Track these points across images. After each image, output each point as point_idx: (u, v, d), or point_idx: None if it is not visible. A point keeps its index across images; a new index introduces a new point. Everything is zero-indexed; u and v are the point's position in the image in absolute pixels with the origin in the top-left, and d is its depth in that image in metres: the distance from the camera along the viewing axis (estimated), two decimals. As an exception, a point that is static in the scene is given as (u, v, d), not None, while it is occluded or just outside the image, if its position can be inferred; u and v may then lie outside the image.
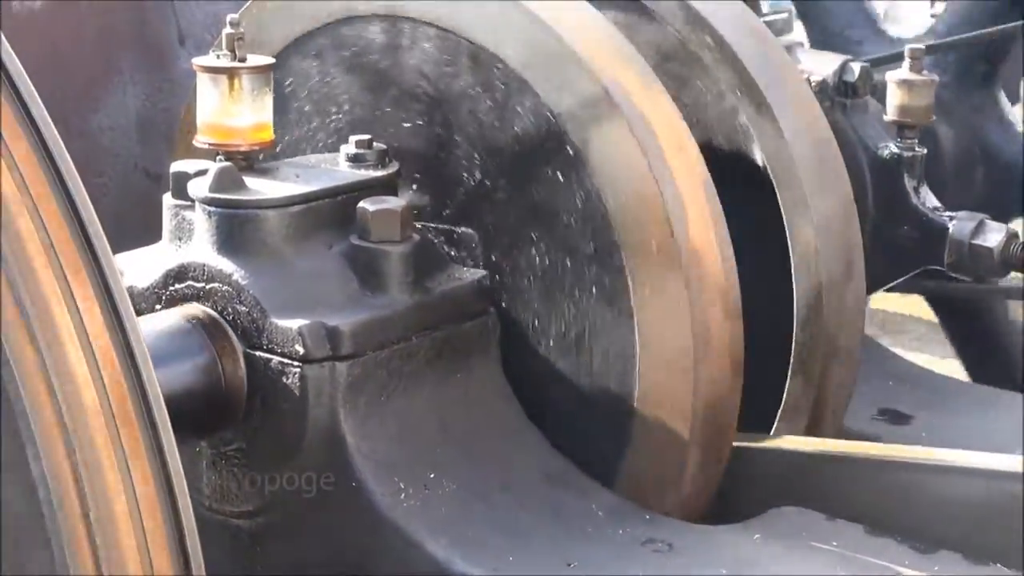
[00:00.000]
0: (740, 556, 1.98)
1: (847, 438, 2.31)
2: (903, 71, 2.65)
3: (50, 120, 1.49)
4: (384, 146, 2.19)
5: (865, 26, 3.52)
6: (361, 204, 2.08)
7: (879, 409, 2.52)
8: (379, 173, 2.16)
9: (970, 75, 3.30)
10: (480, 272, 2.16)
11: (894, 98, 2.64)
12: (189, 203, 2.12)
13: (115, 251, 1.54)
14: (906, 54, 2.67)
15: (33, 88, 1.47)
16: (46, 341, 1.43)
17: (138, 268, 2.14)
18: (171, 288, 2.08)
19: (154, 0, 3.13)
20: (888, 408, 2.54)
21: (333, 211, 2.10)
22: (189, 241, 2.12)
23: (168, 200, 2.18)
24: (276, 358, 1.99)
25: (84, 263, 1.48)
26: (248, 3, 2.38)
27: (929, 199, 2.60)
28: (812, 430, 2.29)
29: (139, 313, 1.99)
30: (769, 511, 2.09)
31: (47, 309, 1.44)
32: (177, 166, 2.19)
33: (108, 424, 1.43)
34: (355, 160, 2.18)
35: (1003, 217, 2.72)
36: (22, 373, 1.41)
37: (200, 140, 2.16)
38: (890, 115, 2.64)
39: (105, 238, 1.53)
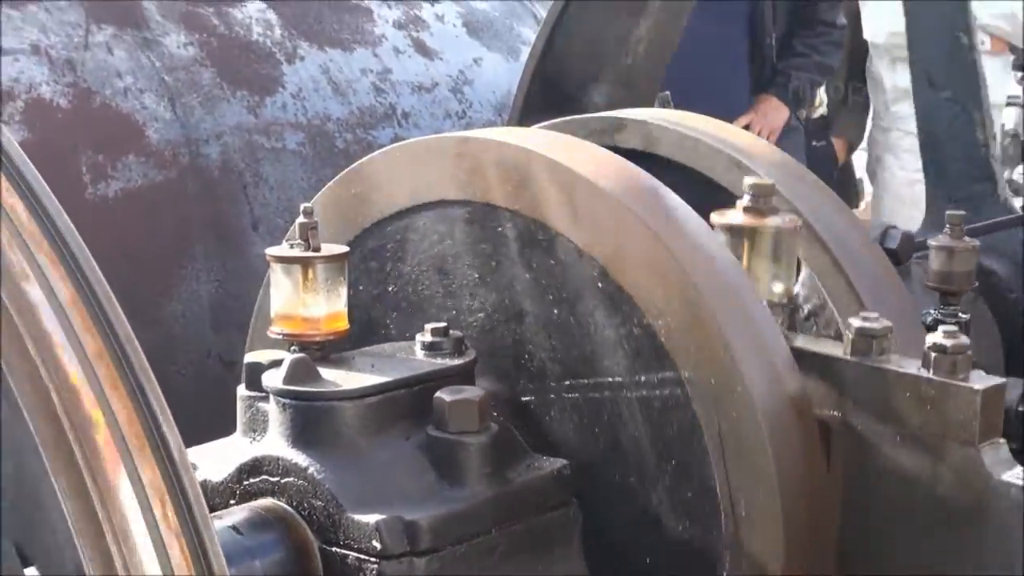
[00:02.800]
0: None
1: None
2: (944, 238, 2.59)
3: (119, 307, 1.46)
4: (460, 334, 2.16)
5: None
6: (438, 394, 2.02)
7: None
8: (456, 362, 2.12)
9: None
10: (560, 461, 2.10)
11: (935, 264, 2.57)
12: (263, 395, 2.09)
13: (189, 440, 1.50)
14: (946, 219, 2.61)
15: (101, 275, 1.46)
16: (117, 540, 1.39)
17: (212, 462, 2.10)
18: (245, 483, 2.03)
19: (226, 187, 3.15)
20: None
21: (410, 401, 2.06)
22: (263, 434, 2.08)
23: (242, 391, 2.15)
24: (353, 554, 1.93)
25: (156, 459, 1.44)
26: (322, 191, 2.37)
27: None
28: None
29: (213, 508, 1.95)
30: None
31: (118, 509, 1.40)
32: (251, 357, 2.16)
33: None
34: (431, 348, 2.14)
35: None
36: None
37: (274, 331, 2.13)
38: (932, 281, 2.58)
39: (177, 431, 1.49)
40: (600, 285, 2.06)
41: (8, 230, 1.44)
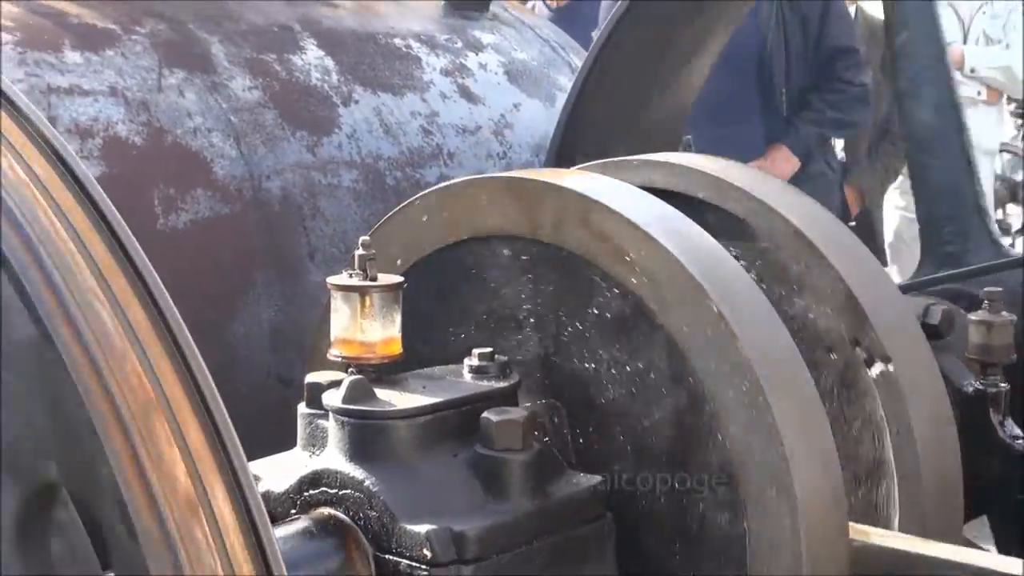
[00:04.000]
0: None
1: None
2: (983, 313, 2.57)
3: (186, 329, 1.47)
4: (505, 358, 2.16)
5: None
6: (485, 415, 2.02)
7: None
8: (501, 384, 2.11)
9: None
10: (596, 478, 2.09)
11: (975, 337, 2.56)
12: (323, 412, 2.08)
13: (249, 452, 1.50)
14: (982, 296, 2.60)
15: (171, 303, 1.46)
16: (185, 548, 1.39)
17: (274, 474, 2.09)
18: (306, 494, 2.03)
19: (285, 219, 3.15)
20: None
21: (458, 421, 2.05)
22: (322, 448, 2.08)
23: (303, 409, 2.15)
24: (404, 561, 1.92)
25: (220, 469, 1.44)
26: (378, 224, 2.37)
27: (1014, 430, 2.51)
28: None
29: (274, 517, 1.95)
30: None
31: (184, 519, 1.39)
32: (311, 377, 2.16)
33: None
34: (478, 372, 2.13)
35: None
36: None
37: (333, 353, 2.13)
38: (971, 353, 2.56)
39: (239, 444, 1.49)
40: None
41: (84, 258, 1.45)
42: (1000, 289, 2.62)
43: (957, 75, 8.02)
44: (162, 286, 1.48)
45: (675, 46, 3.28)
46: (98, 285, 1.44)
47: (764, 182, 2.48)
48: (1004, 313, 2.56)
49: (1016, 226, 11.17)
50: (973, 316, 2.59)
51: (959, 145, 3.18)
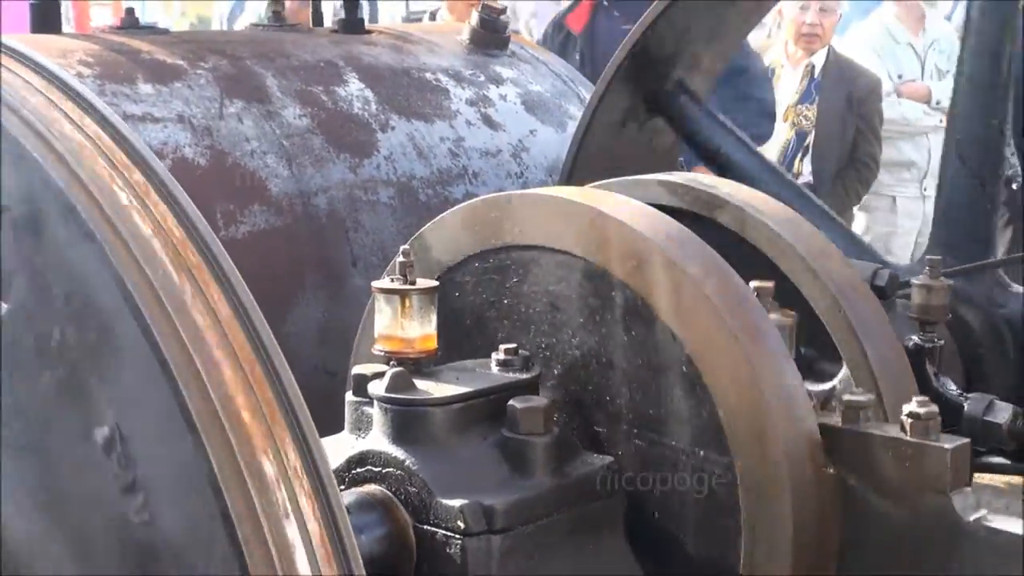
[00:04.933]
0: None
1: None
2: (924, 277, 2.57)
3: (268, 328, 1.46)
4: (528, 353, 2.14)
5: None
6: (511, 402, 2.01)
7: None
8: (524, 376, 2.10)
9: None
10: (608, 459, 2.07)
11: (916, 298, 2.55)
12: (367, 400, 2.07)
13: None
14: (925, 262, 2.60)
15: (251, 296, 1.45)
16: (265, 512, 1.37)
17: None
18: (353, 472, 2.01)
19: (331, 231, 3.14)
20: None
21: (487, 408, 2.03)
22: (367, 432, 2.07)
23: (350, 397, 2.14)
24: (441, 531, 1.91)
25: (295, 444, 1.43)
26: (466, 204, 2.35)
27: (948, 383, 2.50)
28: None
29: (326, 493, 1.93)
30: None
31: (267, 489, 1.38)
32: (357, 369, 2.15)
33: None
34: (504, 365, 2.12)
35: None
36: (251, 550, 1.35)
37: (377, 348, 2.12)
38: (913, 313, 2.55)
39: (314, 425, 1.48)
40: (684, 369, 2.02)
41: (176, 261, 1.44)
42: (940, 257, 2.62)
43: (924, 107, 8.03)
44: (244, 284, 1.48)
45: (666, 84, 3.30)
46: (189, 284, 1.43)
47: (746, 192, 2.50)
48: (942, 279, 2.56)
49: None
50: (915, 280, 2.57)
51: None
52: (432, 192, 3.34)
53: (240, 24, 11.28)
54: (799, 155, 7.16)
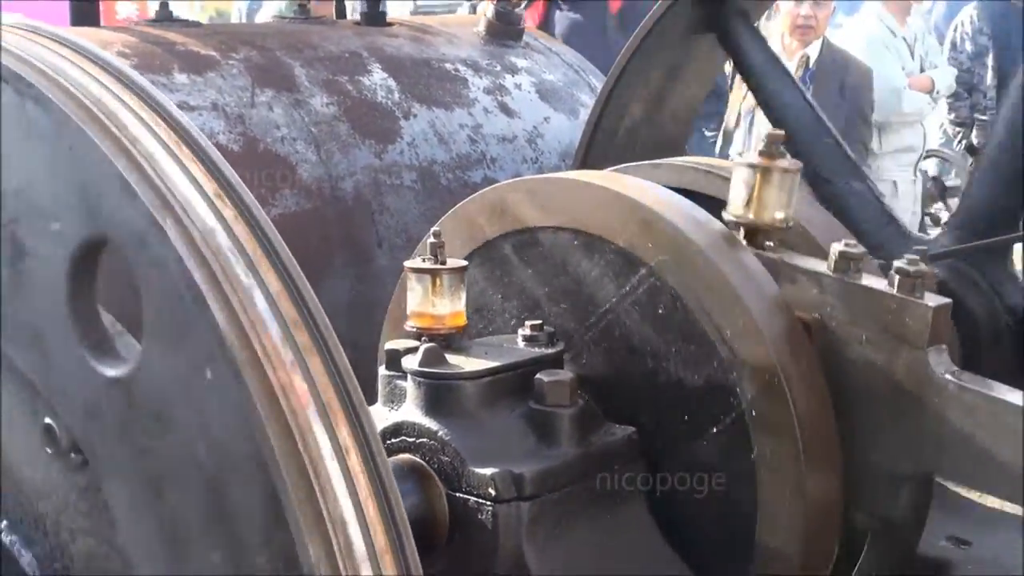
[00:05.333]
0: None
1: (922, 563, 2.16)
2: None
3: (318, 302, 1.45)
4: (552, 329, 2.13)
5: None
6: (538, 376, 1.99)
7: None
8: (549, 351, 2.09)
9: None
10: (630, 429, 2.06)
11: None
12: (401, 374, 2.06)
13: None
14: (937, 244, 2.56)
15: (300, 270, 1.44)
16: (319, 485, 1.35)
17: (360, 425, 2.07)
18: (388, 442, 1.99)
19: (358, 213, 3.13)
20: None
21: (515, 381, 2.02)
22: (400, 404, 2.05)
23: (383, 371, 2.12)
24: (472, 498, 1.90)
25: (345, 412, 1.41)
26: (498, 185, 2.32)
27: None
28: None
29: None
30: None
31: (319, 459, 1.36)
32: (390, 345, 2.13)
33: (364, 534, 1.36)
34: (530, 340, 2.10)
35: None
36: (299, 502, 1.33)
37: (409, 324, 2.10)
38: None
39: (359, 388, 1.46)
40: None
41: (229, 239, 1.42)
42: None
43: (927, 98, 8.00)
44: (292, 259, 1.46)
45: (676, 77, 3.24)
46: (241, 259, 1.41)
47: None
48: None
49: (943, 219, 11.14)
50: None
51: None
52: (452, 176, 3.32)
53: (260, 18, 11.23)
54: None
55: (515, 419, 1.99)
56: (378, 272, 3.09)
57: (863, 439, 1.98)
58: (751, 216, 2.11)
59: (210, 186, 1.43)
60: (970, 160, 8.73)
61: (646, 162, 2.66)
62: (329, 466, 1.34)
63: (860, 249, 1.99)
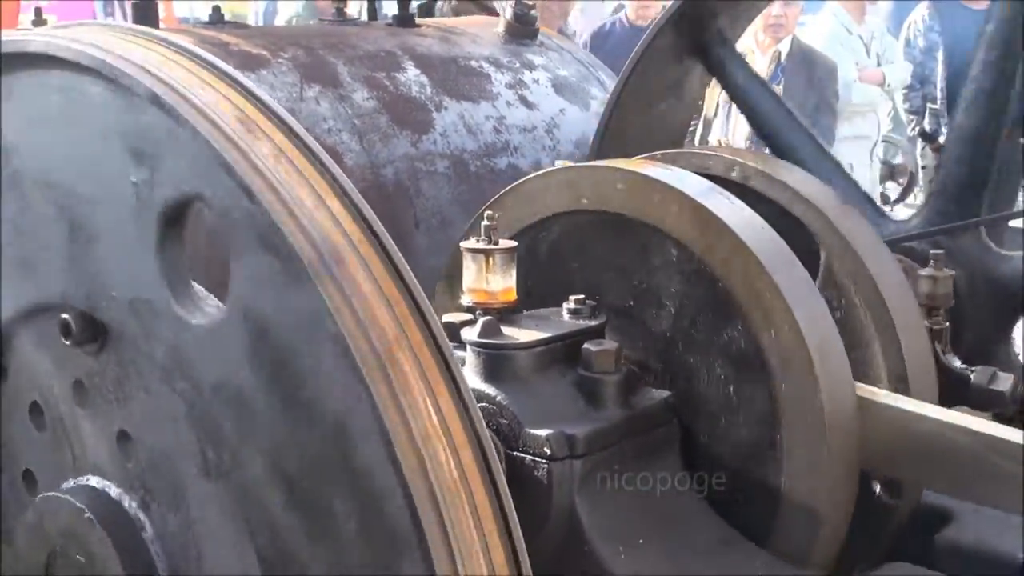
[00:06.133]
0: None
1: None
2: (930, 269, 2.47)
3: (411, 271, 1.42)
4: (595, 302, 2.10)
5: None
6: (585, 345, 1.98)
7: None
8: (594, 322, 2.06)
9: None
10: (666, 393, 2.04)
11: (923, 288, 2.44)
12: (459, 344, 2.03)
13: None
14: (930, 256, 2.51)
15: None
16: (419, 431, 1.34)
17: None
18: (449, 406, 1.98)
19: (397, 198, 3.09)
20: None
21: (564, 351, 2.00)
22: (459, 372, 2.03)
23: (441, 343, 2.09)
24: (529, 457, 1.88)
25: (443, 376, 1.39)
26: (495, 197, 2.29)
27: (953, 359, 2.45)
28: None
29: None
30: (884, 566, 1.95)
31: (415, 404, 1.35)
32: (447, 318, 2.10)
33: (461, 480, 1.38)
34: (574, 313, 2.08)
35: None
36: (402, 448, 1.32)
37: (465, 300, 2.08)
38: (920, 300, 2.45)
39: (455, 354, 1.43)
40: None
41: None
42: (943, 251, 2.55)
43: (878, 90, 7.97)
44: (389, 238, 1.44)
45: (682, 73, 3.20)
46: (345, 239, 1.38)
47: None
48: (945, 269, 2.49)
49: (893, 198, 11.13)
50: (922, 272, 2.51)
51: None
52: (480, 163, 3.29)
53: (279, 20, 11.13)
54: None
55: (565, 385, 1.97)
56: (415, 250, 3.05)
57: None
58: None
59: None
60: (920, 144, 8.69)
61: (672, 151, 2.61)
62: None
63: None
